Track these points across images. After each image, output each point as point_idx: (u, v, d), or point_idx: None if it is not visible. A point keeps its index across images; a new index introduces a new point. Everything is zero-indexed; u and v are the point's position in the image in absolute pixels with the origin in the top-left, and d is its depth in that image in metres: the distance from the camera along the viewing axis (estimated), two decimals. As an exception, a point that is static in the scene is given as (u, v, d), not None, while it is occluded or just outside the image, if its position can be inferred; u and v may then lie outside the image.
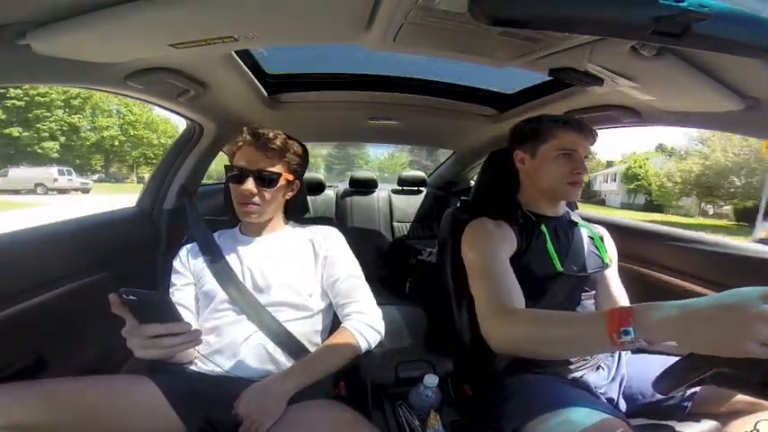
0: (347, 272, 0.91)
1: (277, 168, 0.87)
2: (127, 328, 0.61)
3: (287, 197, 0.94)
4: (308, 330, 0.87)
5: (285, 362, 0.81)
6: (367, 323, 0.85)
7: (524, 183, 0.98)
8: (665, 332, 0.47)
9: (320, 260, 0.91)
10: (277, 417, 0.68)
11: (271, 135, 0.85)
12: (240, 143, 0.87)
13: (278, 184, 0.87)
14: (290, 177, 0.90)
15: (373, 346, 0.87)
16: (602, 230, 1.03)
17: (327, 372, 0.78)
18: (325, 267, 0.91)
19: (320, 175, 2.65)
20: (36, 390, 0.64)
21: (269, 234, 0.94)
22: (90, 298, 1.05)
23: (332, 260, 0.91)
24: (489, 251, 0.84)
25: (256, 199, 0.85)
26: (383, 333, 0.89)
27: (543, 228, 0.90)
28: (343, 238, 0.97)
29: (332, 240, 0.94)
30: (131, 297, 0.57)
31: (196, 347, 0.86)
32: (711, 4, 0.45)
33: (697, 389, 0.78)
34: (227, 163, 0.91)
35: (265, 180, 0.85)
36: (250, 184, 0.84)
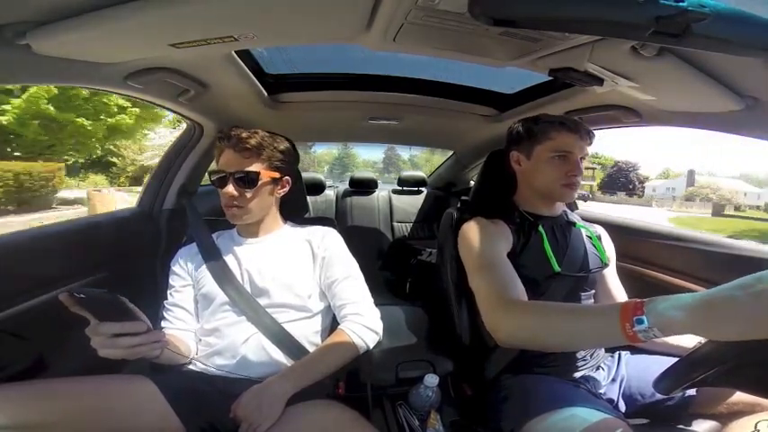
0: (344, 273, 0.90)
1: (255, 167, 0.85)
2: (90, 326, 0.60)
3: (277, 195, 0.93)
4: (307, 331, 0.87)
5: (285, 362, 0.81)
6: (364, 324, 0.85)
7: (521, 184, 0.98)
8: (681, 321, 0.44)
9: (318, 261, 0.91)
10: (275, 418, 0.67)
11: (244, 135, 0.84)
12: (220, 147, 0.86)
13: (259, 184, 0.86)
14: (275, 174, 0.89)
15: (371, 346, 0.87)
16: (600, 230, 1.03)
17: (325, 373, 0.78)
18: (323, 268, 0.91)
19: (320, 175, 2.65)
20: (36, 389, 0.64)
21: (266, 235, 0.93)
22: None
23: (329, 261, 0.91)
24: (487, 246, 0.83)
25: (238, 201, 0.85)
26: (381, 333, 0.89)
27: (540, 228, 0.90)
28: (341, 239, 0.96)
29: (329, 241, 0.93)
30: (81, 295, 0.56)
31: (197, 348, 0.86)
32: (711, 4, 0.45)
33: (696, 390, 0.78)
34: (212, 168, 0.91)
35: (245, 181, 0.84)
36: (230, 188, 0.83)
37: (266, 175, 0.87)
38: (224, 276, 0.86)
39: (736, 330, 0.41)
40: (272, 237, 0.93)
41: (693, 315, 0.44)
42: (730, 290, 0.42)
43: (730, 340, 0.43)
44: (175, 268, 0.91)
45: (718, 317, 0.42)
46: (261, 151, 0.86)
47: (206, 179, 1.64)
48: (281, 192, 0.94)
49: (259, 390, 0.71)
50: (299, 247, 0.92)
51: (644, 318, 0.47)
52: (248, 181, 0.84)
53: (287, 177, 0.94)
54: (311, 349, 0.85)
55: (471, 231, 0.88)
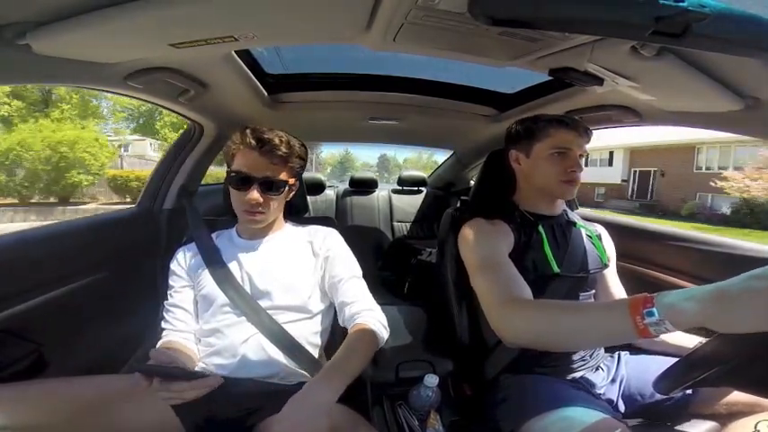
0: (349, 272, 0.90)
1: (283, 176, 0.85)
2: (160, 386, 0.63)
3: (288, 198, 0.94)
4: (307, 332, 0.87)
5: (285, 362, 0.81)
6: (379, 320, 0.84)
7: (520, 182, 0.97)
8: (693, 312, 0.43)
9: (320, 261, 0.91)
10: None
11: (276, 141, 0.82)
12: (241, 146, 0.83)
13: (283, 191, 0.86)
14: (293, 181, 0.89)
15: (385, 339, 0.84)
16: (601, 229, 1.03)
17: (359, 369, 0.72)
18: (326, 269, 0.90)
19: (320, 175, 2.65)
20: (35, 389, 0.64)
21: (267, 236, 0.92)
22: (90, 298, 1.05)
23: (333, 261, 0.90)
24: (488, 245, 0.83)
25: (262, 207, 0.83)
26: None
27: (540, 228, 0.89)
28: (342, 239, 0.96)
29: (332, 241, 0.93)
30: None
31: (197, 349, 0.86)
32: (711, 4, 0.45)
33: (696, 390, 0.78)
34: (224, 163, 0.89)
35: (271, 187, 0.83)
36: (255, 193, 0.81)
37: (290, 182, 0.87)
38: (224, 278, 0.85)
39: (753, 321, 0.40)
40: (273, 238, 0.92)
41: (707, 306, 0.43)
42: (746, 280, 0.41)
43: (744, 332, 0.42)
44: (175, 268, 0.91)
45: (734, 307, 0.41)
46: (289, 159, 0.85)
47: (206, 179, 1.64)
48: (291, 195, 0.93)
49: (298, 403, 0.61)
50: (300, 248, 0.92)
51: (654, 310, 0.46)
52: (276, 188, 0.84)
53: (297, 182, 0.93)
54: (310, 349, 0.85)
55: (472, 232, 0.88)
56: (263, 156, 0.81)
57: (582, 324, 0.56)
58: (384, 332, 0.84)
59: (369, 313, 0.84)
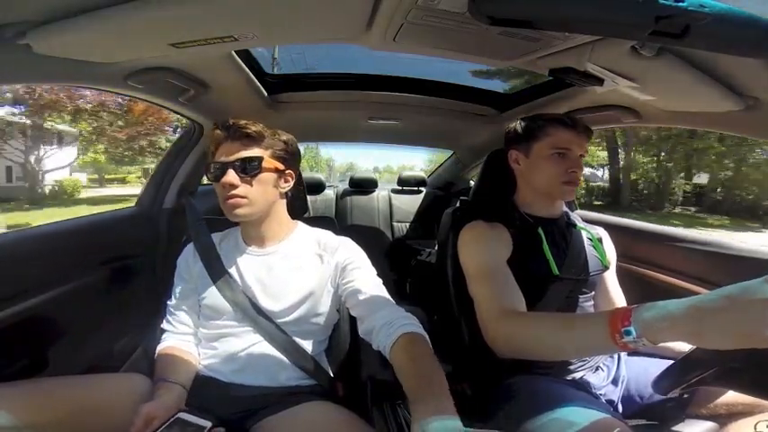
0: (370, 281, 0.83)
1: (257, 152, 0.79)
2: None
3: (281, 189, 0.84)
4: (312, 339, 0.85)
5: (289, 369, 0.80)
6: (415, 322, 0.74)
7: (520, 183, 0.97)
8: (670, 330, 0.44)
9: (332, 272, 0.85)
10: None
11: (243, 122, 0.79)
12: (215, 142, 0.80)
13: (262, 171, 0.79)
14: (278, 164, 0.81)
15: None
16: (602, 232, 1.02)
17: (440, 370, 0.63)
18: (341, 279, 0.84)
19: (320, 175, 2.65)
20: (33, 389, 0.64)
21: (273, 246, 0.86)
22: (90, 298, 1.05)
23: (351, 272, 0.84)
24: (487, 254, 0.83)
25: (240, 190, 0.77)
26: None
27: (540, 231, 0.89)
28: (357, 246, 0.89)
29: (346, 251, 0.86)
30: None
31: (198, 351, 0.85)
32: (711, 4, 0.45)
33: (695, 391, 0.78)
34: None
35: (247, 168, 0.77)
36: (231, 176, 0.76)
37: (269, 162, 0.80)
38: (227, 286, 0.82)
39: (723, 341, 0.42)
40: (279, 249, 0.86)
41: (680, 325, 0.44)
42: (716, 300, 0.42)
43: (718, 349, 0.43)
44: (181, 269, 0.88)
45: (705, 328, 0.42)
46: (262, 138, 0.80)
47: (206, 179, 1.64)
48: (285, 186, 0.85)
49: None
50: (309, 261, 0.85)
51: (631, 329, 0.47)
52: (250, 168, 0.77)
53: (290, 171, 0.86)
54: (315, 354, 0.84)
55: (471, 237, 0.87)
56: (234, 140, 0.78)
57: (567, 339, 0.60)
58: (423, 330, 0.74)
59: (405, 318, 0.75)
